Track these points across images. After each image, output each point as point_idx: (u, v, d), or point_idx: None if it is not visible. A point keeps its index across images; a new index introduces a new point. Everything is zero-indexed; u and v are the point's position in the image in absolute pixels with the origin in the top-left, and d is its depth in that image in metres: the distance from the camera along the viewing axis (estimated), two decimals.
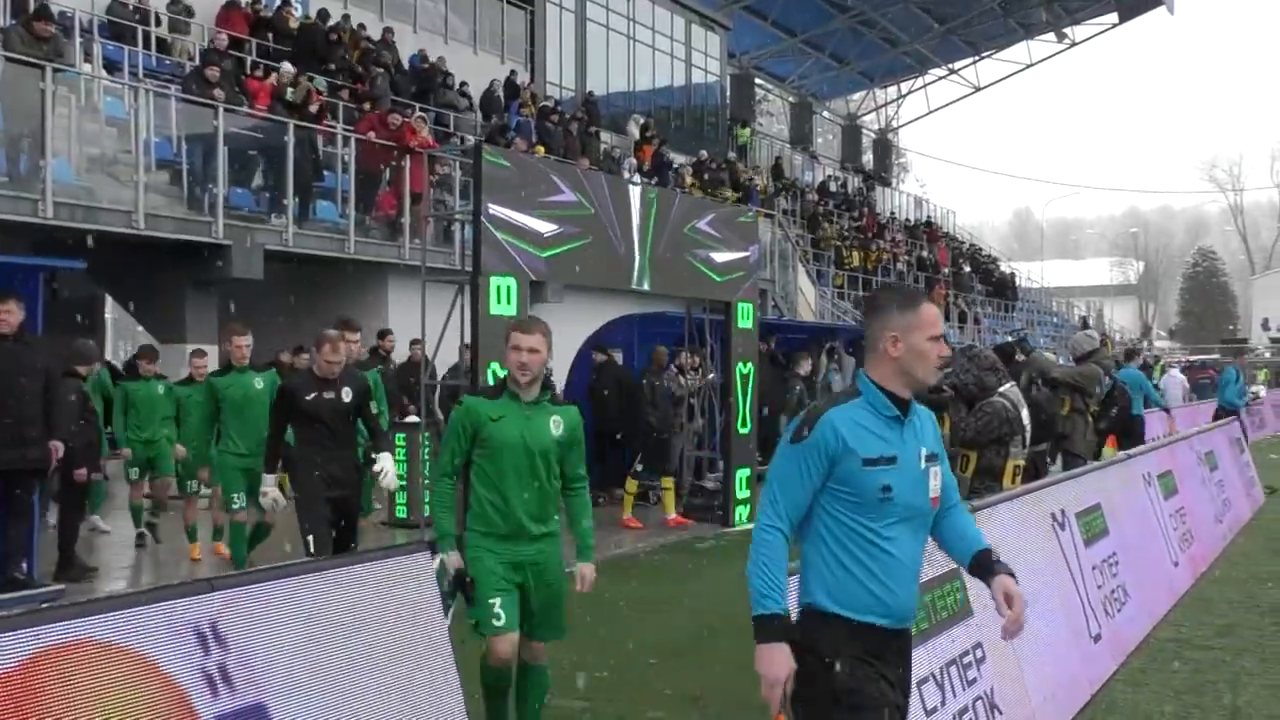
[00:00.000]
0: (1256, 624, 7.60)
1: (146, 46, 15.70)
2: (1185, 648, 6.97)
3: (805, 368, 15.59)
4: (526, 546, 4.64)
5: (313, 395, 6.65)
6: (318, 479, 6.66)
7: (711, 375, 13.32)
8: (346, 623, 3.66)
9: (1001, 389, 6.57)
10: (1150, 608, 7.48)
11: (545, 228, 9.52)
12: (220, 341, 10.12)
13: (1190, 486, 9.99)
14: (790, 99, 43.34)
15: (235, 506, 8.50)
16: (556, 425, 4.72)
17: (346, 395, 6.74)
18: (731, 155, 30.16)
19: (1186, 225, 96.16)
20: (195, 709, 3.03)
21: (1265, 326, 63.77)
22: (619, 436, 12.79)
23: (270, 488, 6.96)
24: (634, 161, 24.07)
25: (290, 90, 15.10)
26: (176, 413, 10.15)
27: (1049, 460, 9.93)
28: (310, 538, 6.57)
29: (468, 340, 9.21)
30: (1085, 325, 35.37)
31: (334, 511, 6.77)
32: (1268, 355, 53.55)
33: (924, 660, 4.31)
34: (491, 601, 4.54)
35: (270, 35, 17.44)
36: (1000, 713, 4.74)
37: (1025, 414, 6.66)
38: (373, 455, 7.28)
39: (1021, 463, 6.73)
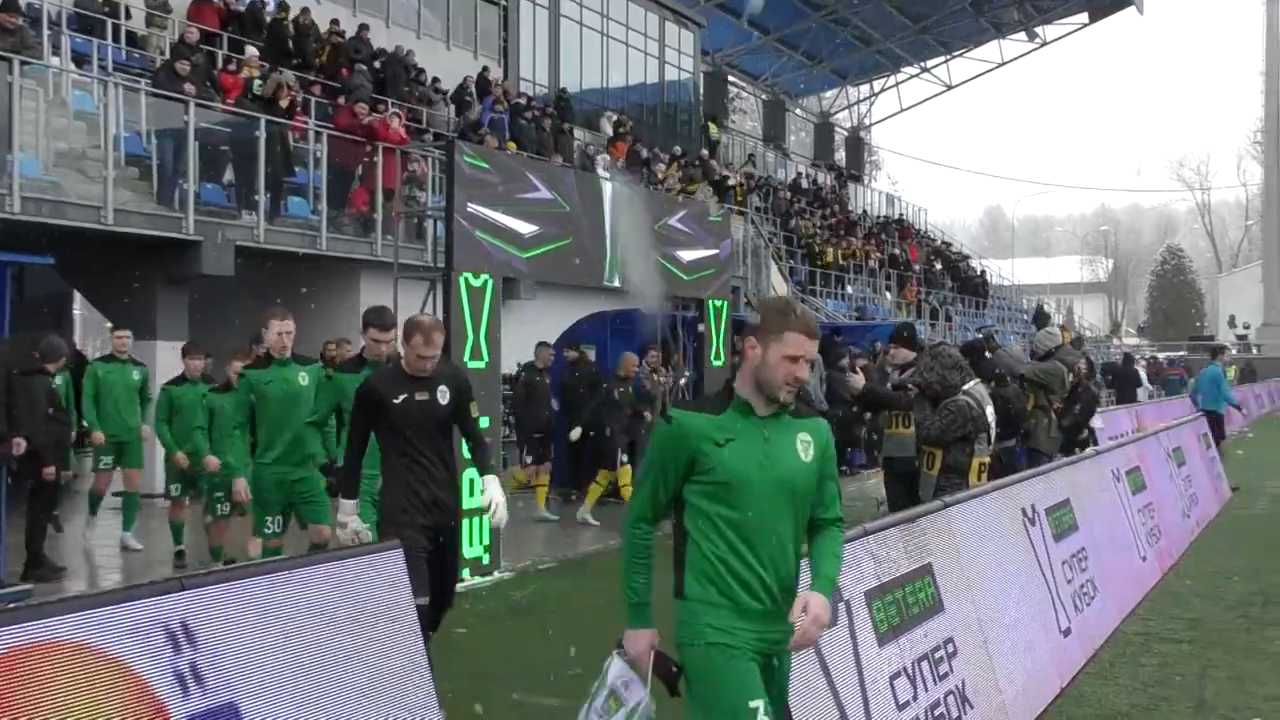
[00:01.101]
0: (1222, 618, 7.69)
1: (116, 40, 15.55)
2: (1153, 641, 7.04)
3: None
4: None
5: (402, 397, 5.27)
6: (409, 503, 5.26)
7: (686, 374, 13.32)
8: (319, 621, 3.65)
9: (966, 387, 6.60)
10: (1119, 602, 7.55)
11: (525, 228, 9.51)
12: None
13: (1158, 482, 10.09)
14: (763, 96, 43.43)
15: (269, 531, 7.35)
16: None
17: (444, 397, 5.37)
18: (704, 152, 30.16)
19: (1155, 224, 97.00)
20: (166, 708, 3.01)
21: (1232, 324, 64.35)
22: (591, 434, 12.79)
23: (350, 516, 5.48)
24: (607, 158, 24.05)
25: (258, 82, 14.99)
26: (210, 420, 8.86)
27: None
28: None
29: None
30: (1038, 317, 35.37)
31: (430, 544, 5.31)
32: (1234, 352, 54.07)
33: (896, 655, 4.34)
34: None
35: (242, 30, 17.31)
36: (971, 706, 4.78)
37: (990, 411, 6.69)
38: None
39: (986, 460, 6.77)
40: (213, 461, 8.54)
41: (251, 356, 8.16)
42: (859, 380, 8.31)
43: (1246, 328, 60.65)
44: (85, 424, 10.35)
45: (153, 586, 3.20)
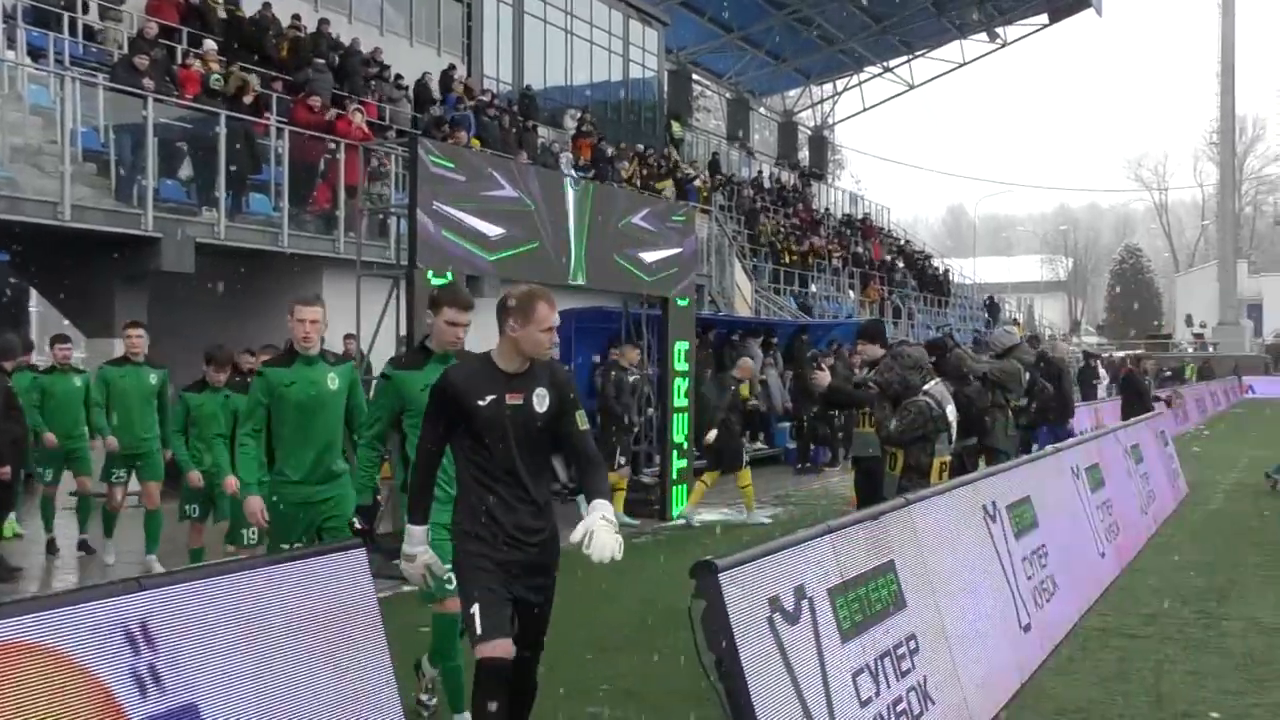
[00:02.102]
0: (1179, 612, 7.79)
1: (73, 34, 15.35)
2: (1111, 636, 7.12)
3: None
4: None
5: (491, 399, 4.07)
6: (487, 528, 4.09)
7: (651, 372, 13.34)
8: (280, 621, 3.62)
9: (926, 387, 6.62)
10: (1078, 597, 7.63)
11: (489, 227, 9.47)
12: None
13: (1117, 479, 10.20)
14: (727, 95, 43.53)
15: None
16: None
17: (542, 400, 4.16)
18: (669, 150, 30.21)
19: (1114, 223, 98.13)
20: (123, 710, 2.98)
21: (1189, 322, 65.23)
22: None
23: (419, 547, 4.17)
24: (570, 156, 24.03)
25: (215, 77, 14.85)
26: (232, 427, 7.57)
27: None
28: (475, 610, 4.00)
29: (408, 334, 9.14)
30: (987, 309, 35.54)
31: (511, 583, 4.17)
32: (1191, 350, 54.81)
33: (858, 653, 4.36)
34: None
35: (201, 24, 17.14)
36: (933, 702, 4.81)
37: (951, 410, 6.72)
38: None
39: (948, 459, 6.81)
40: (232, 483, 6.89)
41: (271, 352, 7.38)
42: (824, 378, 8.35)
43: (1203, 326, 61.48)
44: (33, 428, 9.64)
45: (111, 587, 3.17)
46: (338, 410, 5.75)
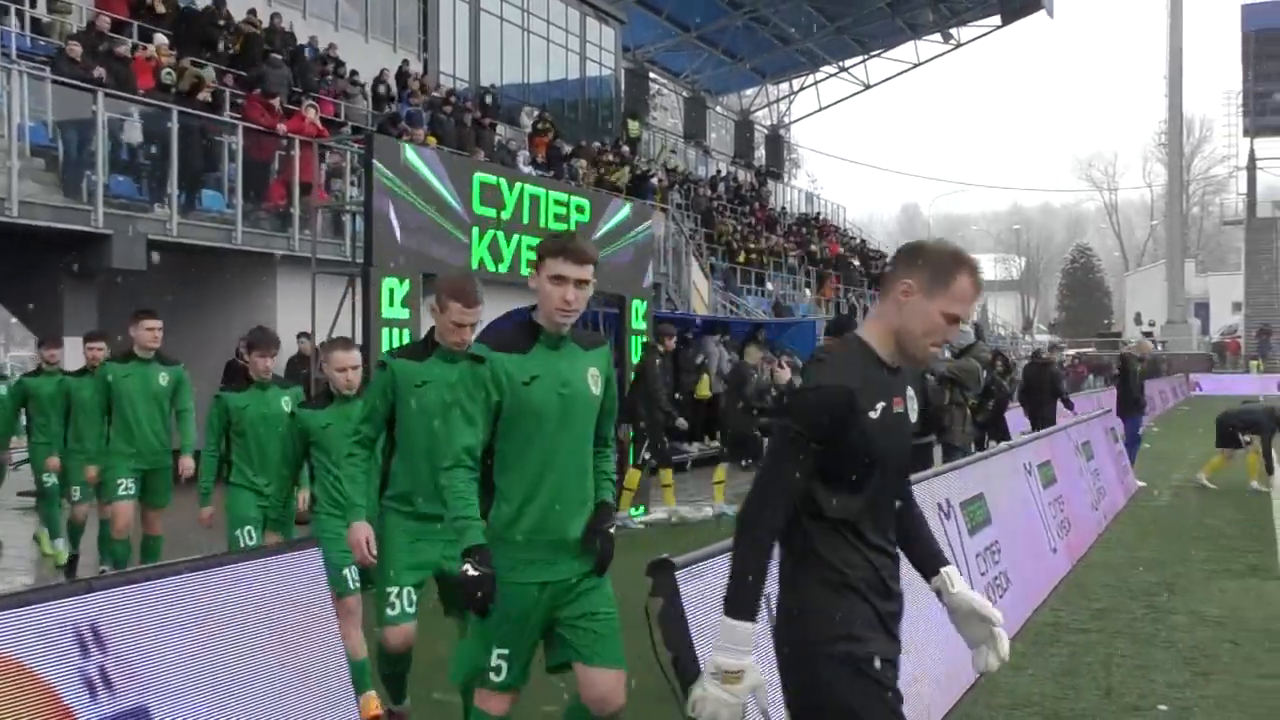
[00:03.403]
0: (1128, 607, 7.90)
1: (21, 26, 15.09)
2: (1063, 631, 7.21)
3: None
4: None
5: (882, 406, 2.79)
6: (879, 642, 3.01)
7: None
8: (234, 622, 3.59)
9: None
10: (1030, 593, 7.72)
11: (446, 226, 9.43)
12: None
13: (1068, 476, 10.33)
14: (684, 94, 43.60)
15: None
16: None
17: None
18: (625, 149, 30.20)
19: (1066, 223, 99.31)
20: (72, 712, 2.94)
21: (1138, 321, 66.23)
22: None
23: (746, 659, 2.73)
24: (528, 154, 23.97)
25: (166, 72, 14.67)
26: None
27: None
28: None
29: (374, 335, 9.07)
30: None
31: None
32: (1158, 349, 55.52)
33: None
34: None
35: (151, 18, 16.91)
36: None
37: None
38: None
39: None
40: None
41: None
42: (784, 375, 8.40)
43: (1152, 324, 62.41)
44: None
45: (59, 589, 3.13)
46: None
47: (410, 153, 9.41)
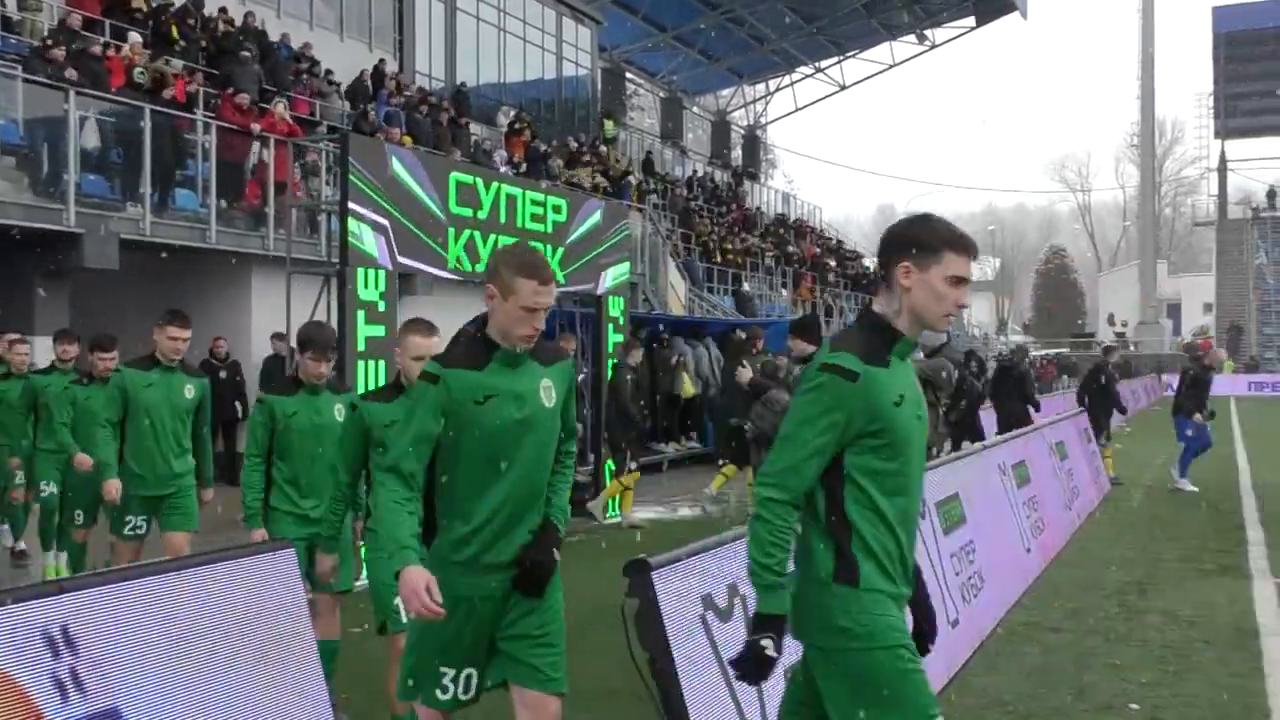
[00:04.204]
0: (1101, 606, 7.96)
1: None
2: (1036, 630, 7.26)
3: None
4: None
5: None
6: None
7: (583, 372, 13.32)
8: (207, 623, 3.56)
9: None
10: (1004, 593, 7.76)
11: (425, 225, 9.40)
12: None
13: (1042, 476, 10.39)
14: (661, 94, 43.63)
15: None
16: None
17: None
18: (603, 149, 30.21)
19: (1039, 224, 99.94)
20: (43, 714, 2.92)
21: (1111, 321, 66.76)
22: None
23: None
24: (504, 153, 23.94)
25: (139, 71, 14.57)
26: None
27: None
28: None
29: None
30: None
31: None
32: (1132, 350, 56.00)
33: (791, 649, 4.39)
34: None
35: (124, 16, 16.78)
36: None
37: None
38: None
39: None
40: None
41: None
42: (745, 374, 8.43)
43: (1124, 325, 62.90)
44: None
45: (30, 589, 3.10)
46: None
47: (394, 160, 9.38)
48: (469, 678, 3.58)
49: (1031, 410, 14.30)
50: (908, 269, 2.97)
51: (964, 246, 3.00)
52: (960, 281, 2.99)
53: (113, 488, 6.44)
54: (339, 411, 5.48)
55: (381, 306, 8.98)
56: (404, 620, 4.15)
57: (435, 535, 3.53)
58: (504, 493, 3.46)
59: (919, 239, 3.00)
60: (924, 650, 3.16)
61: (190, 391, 6.71)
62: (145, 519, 6.68)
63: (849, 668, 2.92)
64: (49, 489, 8.77)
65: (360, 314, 8.81)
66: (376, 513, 3.39)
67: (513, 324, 3.45)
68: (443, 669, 3.55)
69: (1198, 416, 14.57)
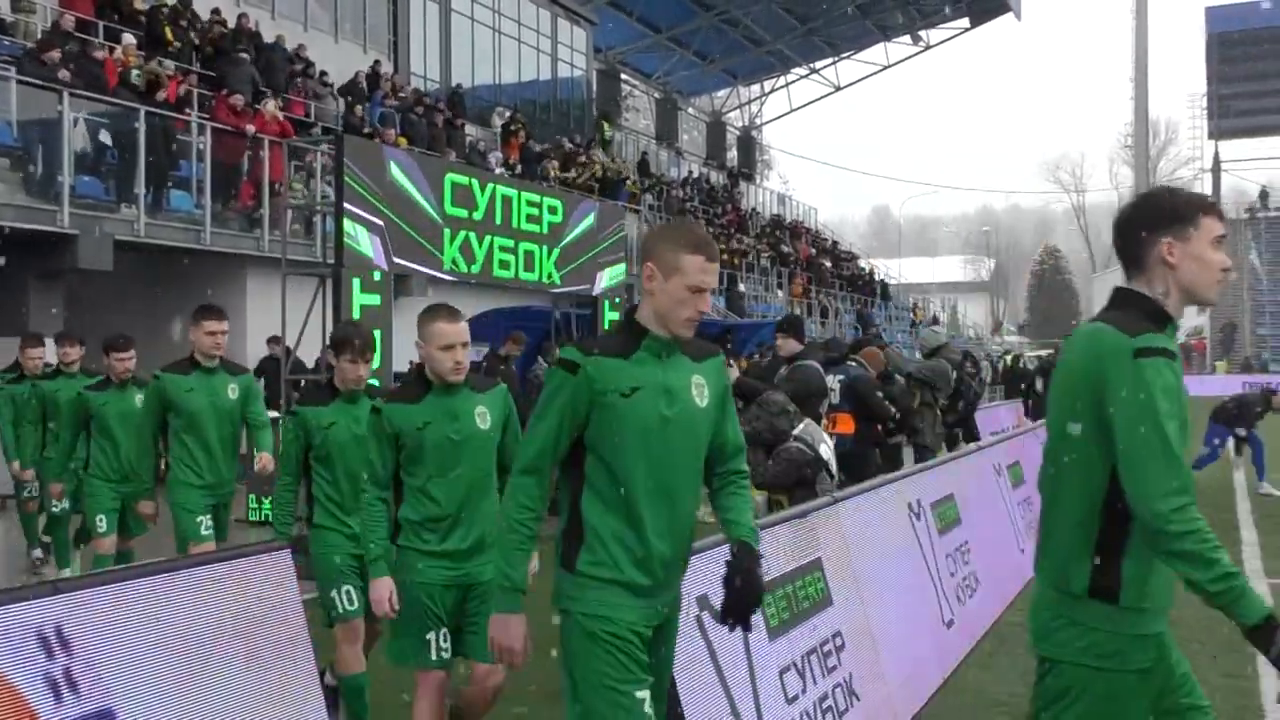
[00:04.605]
0: None
1: None
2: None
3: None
4: None
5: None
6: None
7: None
8: (202, 624, 3.56)
9: (796, 431, 6.58)
10: (999, 593, 7.77)
11: (421, 226, 9.40)
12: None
13: (1037, 476, 10.39)
14: (656, 95, 43.64)
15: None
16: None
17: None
18: (598, 152, 30.23)
19: (1034, 224, 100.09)
20: (37, 715, 2.91)
21: None
22: None
23: None
24: (500, 155, 23.93)
25: (135, 72, 14.56)
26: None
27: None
28: None
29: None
30: (861, 320, 35.90)
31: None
32: None
33: (785, 649, 4.40)
34: None
35: (117, 17, 16.76)
36: (859, 698, 4.87)
37: (826, 448, 6.68)
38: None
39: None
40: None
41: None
42: (733, 373, 8.43)
43: None
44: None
45: (23, 590, 3.10)
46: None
47: (391, 163, 9.37)
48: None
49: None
50: (1170, 245, 2.81)
51: (1217, 211, 2.87)
52: (1222, 240, 2.85)
53: (148, 506, 6.26)
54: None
55: (377, 308, 8.97)
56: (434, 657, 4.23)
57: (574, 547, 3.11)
58: (643, 501, 3.06)
59: (1174, 211, 2.84)
60: None
61: (234, 391, 6.28)
62: (209, 520, 6.24)
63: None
64: (60, 504, 8.46)
65: (356, 315, 8.80)
66: (509, 520, 3.08)
67: (674, 306, 3.08)
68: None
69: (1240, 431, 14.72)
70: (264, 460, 6.35)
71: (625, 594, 3.03)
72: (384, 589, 4.20)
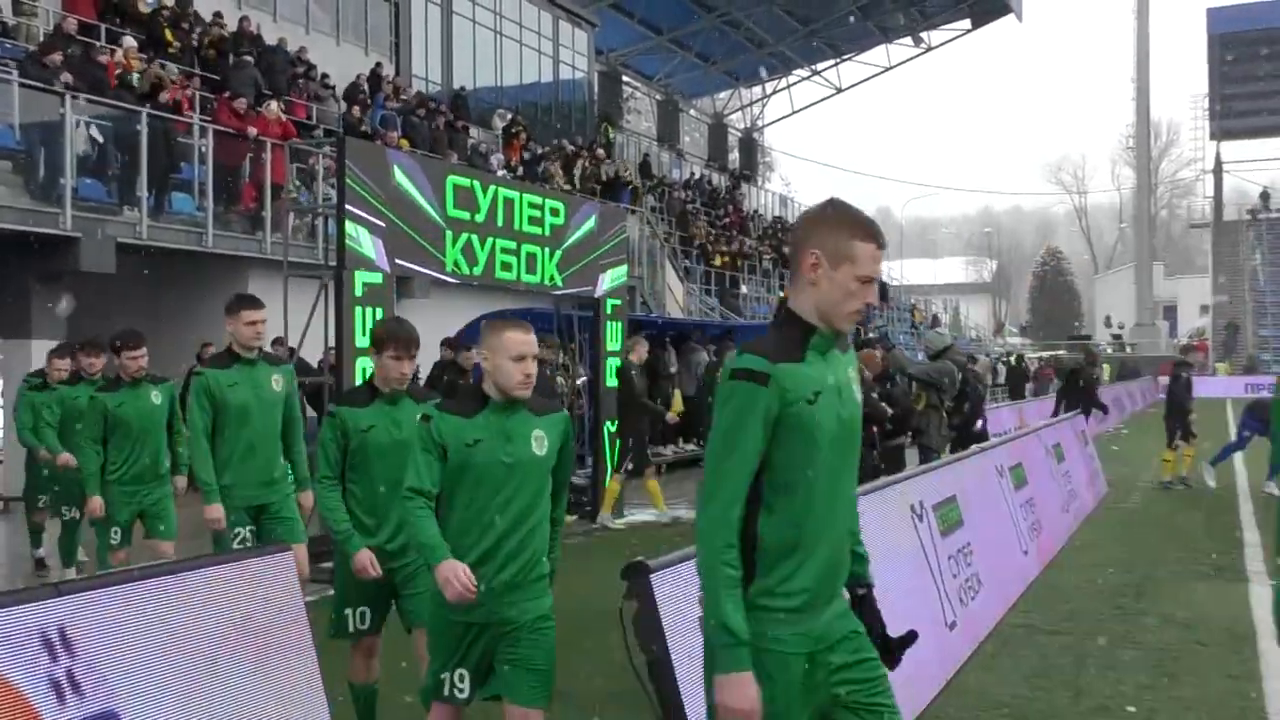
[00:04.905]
0: (1098, 608, 7.96)
1: None
2: (1033, 633, 7.26)
3: None
4: None
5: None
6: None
7: (582, 375, 13.33)
8: (205, 626, 3.56)
9: None
10: (1002, 595, 7.76)
11: (423, 229, 9.40)
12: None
13: (1039, 478, 10.40)
14: (657, 97, 43.66)
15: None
16: None
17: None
18: (600, 152, 30.23)
19: (1036, 226, 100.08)
20: (40, 717, 2.92)
21: (1107, 323, 66.76)
22: None
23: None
24: (501, 157, 23.95)
25: (136, 75, 14.57)
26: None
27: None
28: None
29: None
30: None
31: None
32: (1110, 350, 56.09)
33: None
34: None
35: (119, 19, 16.79)
36: None
37: None
38: None
39: None
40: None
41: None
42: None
43: (1121, 327, 62.92)
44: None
45: (27, 593, 3.10)
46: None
47: (395, 166, 9.38)
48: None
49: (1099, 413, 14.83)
50: None
51: None
52: None
53: (215, 510, 5.73)
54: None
55: (379, 310, 8.97)
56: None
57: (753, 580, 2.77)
58: (821, 519, 2.80)
59: None
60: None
61: (278, 383, 5.93)
62: (249, 525, 5.84)
63: None
64: (70, 513, 8.42)
65: (358, 317, 8.80)
66: (713, 561, 2.72)
67: (843, 299, 2.77)
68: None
69: None
70: (305, 501, 6.03)
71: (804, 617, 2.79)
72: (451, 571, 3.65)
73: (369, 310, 8.88)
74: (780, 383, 2.69)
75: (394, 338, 4.68)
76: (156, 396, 6.95)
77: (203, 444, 5.73)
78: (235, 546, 5.66)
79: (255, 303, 5.94)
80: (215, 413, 5.76)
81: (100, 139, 13.68)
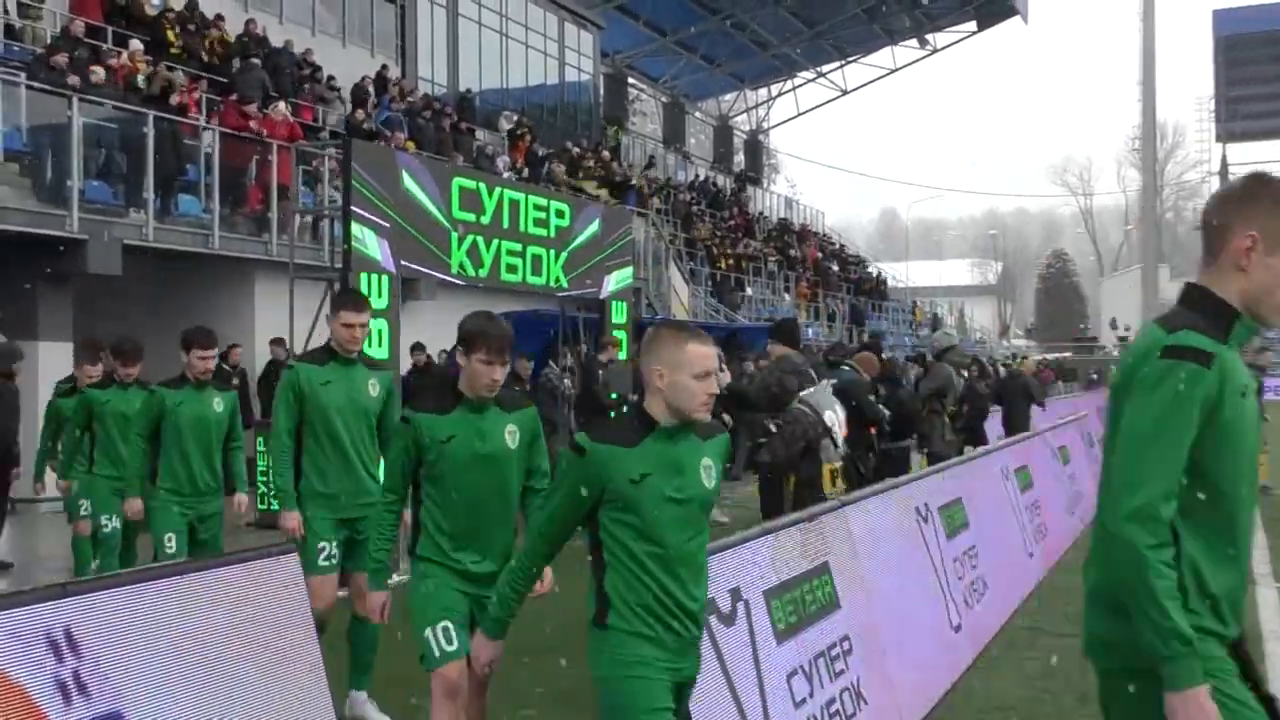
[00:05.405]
0: None
1: None
2: (1039, 635, 7.25)
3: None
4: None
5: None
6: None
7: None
8: (210, 627, 3.57)
9: (803, 393, 6.52)
10: (1007, 597, 7.75)
11: (430, 231, 9.41)
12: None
13: (1045, 480, 10.38)
14: (663, 99, 43.67)
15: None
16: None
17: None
18: (605, 154, 30.23)
19: (1042, 228, 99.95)
20: (45, 717, 2.92)
21: (1113, 325, 66.61)
22: None
23: None
24: (507, 159, 23.96)
25: (141, 78, 14.60)
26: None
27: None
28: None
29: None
30: (855, 316, 35.70)
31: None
32: (1115, 353, 55.98)
33: (794, 653, 4.40)
34: None
35: (125, 22, 16.81)
36: (866, 702, 4.86)
37: (831, 415, 6.61)
38: None
39: (837, 465, 6.73)
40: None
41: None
42: (724, 378, 8.41)
43: (1127, 329, 62.78)
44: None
45: (34, 594, 3.11)
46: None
47: (400, 168, 9.38)
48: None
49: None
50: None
51: None
52: None
53: (293, 517, 5.32)
54: (511, 436, 4.18)
55: (384, 311, 8.98)
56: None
57: None
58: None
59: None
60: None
61: (375, 388, 5.44)
62: (339, 546, 5.37)
63: None
64: (111, 523, 7.42)
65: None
66: None
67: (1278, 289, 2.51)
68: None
69: None
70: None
71: None
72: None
73: (376, 312, 8.88)
74: (1223, 367, 2.37)
75: (485, 339, 4.05)
76: (219, 402, 6.45)
77: (285, 443, 5.29)
78: (320, 563, 5.26)
79: (356, 303, 5.48)
80: (303, 413, 5.31)
81: (107, 141, 13.69)
